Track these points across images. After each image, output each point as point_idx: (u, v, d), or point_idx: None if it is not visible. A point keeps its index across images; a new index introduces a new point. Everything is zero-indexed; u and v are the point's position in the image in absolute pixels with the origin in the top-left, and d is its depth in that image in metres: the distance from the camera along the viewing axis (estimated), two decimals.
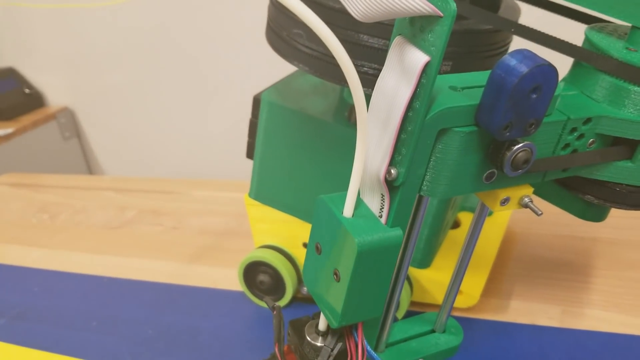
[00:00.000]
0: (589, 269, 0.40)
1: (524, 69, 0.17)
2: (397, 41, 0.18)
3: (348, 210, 0.20)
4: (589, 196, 0.24)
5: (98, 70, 1.02)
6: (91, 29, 0.96)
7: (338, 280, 0.20)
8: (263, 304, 0.40)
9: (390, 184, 0.20)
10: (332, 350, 0.23)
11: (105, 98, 1.06)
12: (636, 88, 0.21)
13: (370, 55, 0.27)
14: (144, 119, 1.04)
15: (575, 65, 0.24)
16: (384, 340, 0.27)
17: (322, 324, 0.24)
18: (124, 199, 0.62)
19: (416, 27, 0.17)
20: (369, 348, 0.23)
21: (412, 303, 0.36)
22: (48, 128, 1.10)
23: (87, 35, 0.98)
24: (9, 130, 0.98)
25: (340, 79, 0.28)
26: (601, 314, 0.36)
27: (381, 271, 0.20)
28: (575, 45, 0.22)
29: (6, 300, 0.45)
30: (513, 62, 0.17)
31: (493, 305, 0.37)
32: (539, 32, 0.21)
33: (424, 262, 0.35)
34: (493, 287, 0.39)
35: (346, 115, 0.33)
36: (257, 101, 0.37)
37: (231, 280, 0.43)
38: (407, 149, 0.19)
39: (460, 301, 0.35)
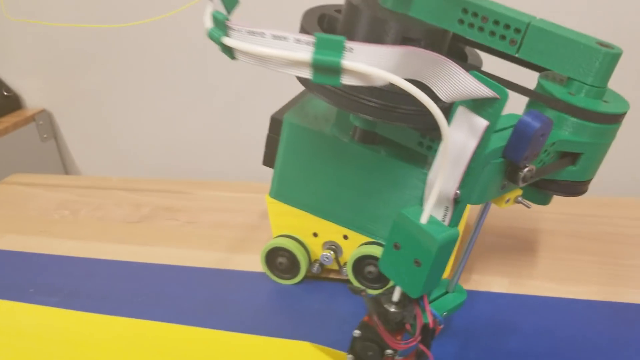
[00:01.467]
0: (531, 252, 0.52)
1: (538, 123, 0.27)
2: (460, 109, 0.27)
3: (424, 219, 0.29)
4: (547, 190, 0.36)
5: (74, 72, 1.06)
6: (66, 31, 0.99)
7: (419, 266, 0.29)
8: (281, 281, 0.50)
9: (455, 200, 0.29)
10: (410, 312, 0.32)
11: (81, 100, 1.11)
12: (573, 119, 0.32)
13: (380, 94, 0.37)
14: (119, 121, 1.09)
15: (531, 104, 0.34)
16: None
17: (396, 296, 0.32)
18: (136, 197, 0.70)
19: (477, 103, 0.26)
20: (433, 310, 0.33)
21: None
22: (28, 130, 1.15)
23: (63, 38, 1.01)
24: None
25: (355, 110, 0.38)
26: (539, 283, 0.48)
27: (445, 256, 0.30)
28: (535, 92, 0.32)
29: (54, 282, 0.53)
30: (529, 119, 0.27)
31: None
32: (512, 82, 0.31)
33: None
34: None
35: (350, 134, 0.44)
36: (274, 120, 0.47)
37: (250, 263, 0.52)
38: (469, 178, 0.28)
39: None
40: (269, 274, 0.50)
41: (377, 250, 0.45)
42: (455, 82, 0.24)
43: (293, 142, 0.45)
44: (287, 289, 0.49)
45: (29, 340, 0.44)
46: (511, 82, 0.32)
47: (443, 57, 0.24)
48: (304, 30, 0.38)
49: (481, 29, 0.33)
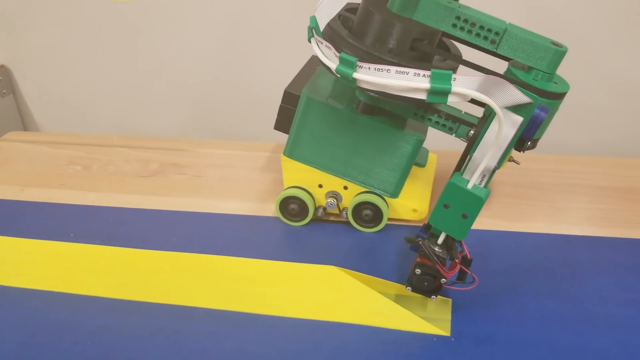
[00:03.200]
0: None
1: (544, 114, 0.38)
2: (504, 110, 0.38)
3: (470, 185, 0.41)
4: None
5: (31, 27, 1.06)
6: None
7: (465, 218, 0.41)
8: (291, 223, 0.61)
9: (492, 170, 0.41)
10: (455, 250, 0.44)
11: (39, 56, 1.11)
12: (534, 96, 0.42)
13: None
14: (78, 77, 1.09)
15: None
16: None
17: (440, 240, 0.45)
18: (141, 154, 0.78)
19: (516, 105, 0.38)
20: (468, 249, 0.44)
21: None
22: None
23: None
24: None
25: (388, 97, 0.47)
26: (492, 221, 0.61)
27: (479, 208, 0.42)
28: (512, 78, 0.43)
29: (91, 228, 0.61)
30: (539, 111, 0.38)
31: None
32: (495, 72, 0.42)
33: (395, 194, 0.58)
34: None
35: (354, 106, 0.55)
36: (288, 93, 0.57)
37: (261, 209, 0.63)
38: (503, 155, 0.40)
39: (415, 216, 0.59)
40: (281, 217, 0.61)
41: (371, 198, 0.57)
42: (509, 94, 0.36)
43: (308, 112, 0.55)
44: (296, 229, 0.61)
45: (90, 274, 0.54)
46: (495, 72, 0.43)
47: (502, 79, 0.35)
48: (331, 28, 0.47)
49: (469, 31, 0.44)
